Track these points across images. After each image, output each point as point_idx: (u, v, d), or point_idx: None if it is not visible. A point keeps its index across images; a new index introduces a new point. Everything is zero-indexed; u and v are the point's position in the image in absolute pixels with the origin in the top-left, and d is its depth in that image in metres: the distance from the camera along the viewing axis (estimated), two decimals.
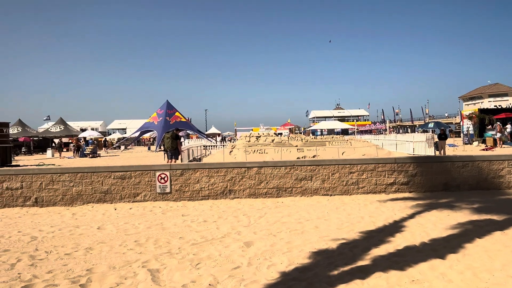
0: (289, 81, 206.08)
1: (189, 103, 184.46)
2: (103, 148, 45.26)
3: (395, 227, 6.31)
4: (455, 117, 70.70)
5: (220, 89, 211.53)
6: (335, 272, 4.35)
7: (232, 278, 4.28)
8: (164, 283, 4.22)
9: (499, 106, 39.62)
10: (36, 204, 9.28)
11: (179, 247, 5.56)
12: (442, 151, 20.24)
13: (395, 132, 61.93)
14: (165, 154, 16.94)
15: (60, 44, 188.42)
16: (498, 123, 27.37)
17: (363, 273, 4.27)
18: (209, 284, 4.11)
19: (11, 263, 5.01)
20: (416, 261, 4.61)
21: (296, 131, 70.71)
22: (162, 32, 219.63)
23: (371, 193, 9.57)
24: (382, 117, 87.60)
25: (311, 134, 62.89)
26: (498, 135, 26.00)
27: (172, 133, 15.77)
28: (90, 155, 30.52)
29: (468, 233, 5.80)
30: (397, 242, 5.44)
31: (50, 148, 34.93)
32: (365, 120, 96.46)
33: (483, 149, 24.39)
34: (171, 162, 14.95)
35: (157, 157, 26.25)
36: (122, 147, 47.29)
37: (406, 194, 9.47)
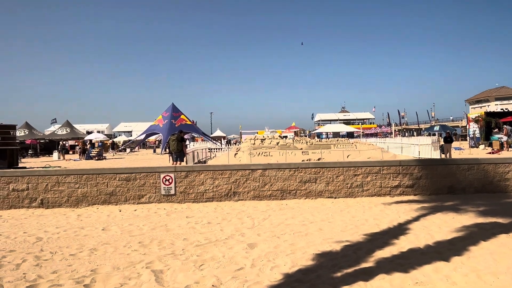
0: (294, 85, 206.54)
1: (194, 106, 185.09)
2: (111, 151, 45.51)
3: (400, 230, 6.29)
4: (461, 120, 70.27)
5: (226, 92, 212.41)
6: (339, 274, 4.34)
7: (235, 279, 4.29)
8: (168, 284, 4.23)
9: (506, 109, 39.40)
10: (42, 205, 9.36)
11: (183, 248, 5.58)
12: (448, 154, 20.14)
13: (401, 135, 61.69)
14: (170, 156, 17.03)
15: (67, 48, 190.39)
16: (505, 126, 27.16)
17: (367, 275, 4.26)
18: (212, 285, 4.12)
19: (16, 263, 5.06)
20: (420, 263, 4.58)
21: (301, 134, 70.60)
22: (169, 36, 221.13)
23: (375, 196, 9.53)
24: (388, 120, 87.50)
25: (316, 137, 62.74)
26: (505, 138, 25.81)
27: (177, 136, 15.85)
28: (96, 158, 30.70)
29: (473, 236, 5.76)
30: (401, 245, 5.41)
31: (56, 151, 35.20)
32: (370, 123, 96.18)
33: (489, 153, 24.22)
34: (176, 164, 15.01)
35: (162, 159, 26.38)
36: (128, 150, 47.56)
37: (411, 197, 9.42)
